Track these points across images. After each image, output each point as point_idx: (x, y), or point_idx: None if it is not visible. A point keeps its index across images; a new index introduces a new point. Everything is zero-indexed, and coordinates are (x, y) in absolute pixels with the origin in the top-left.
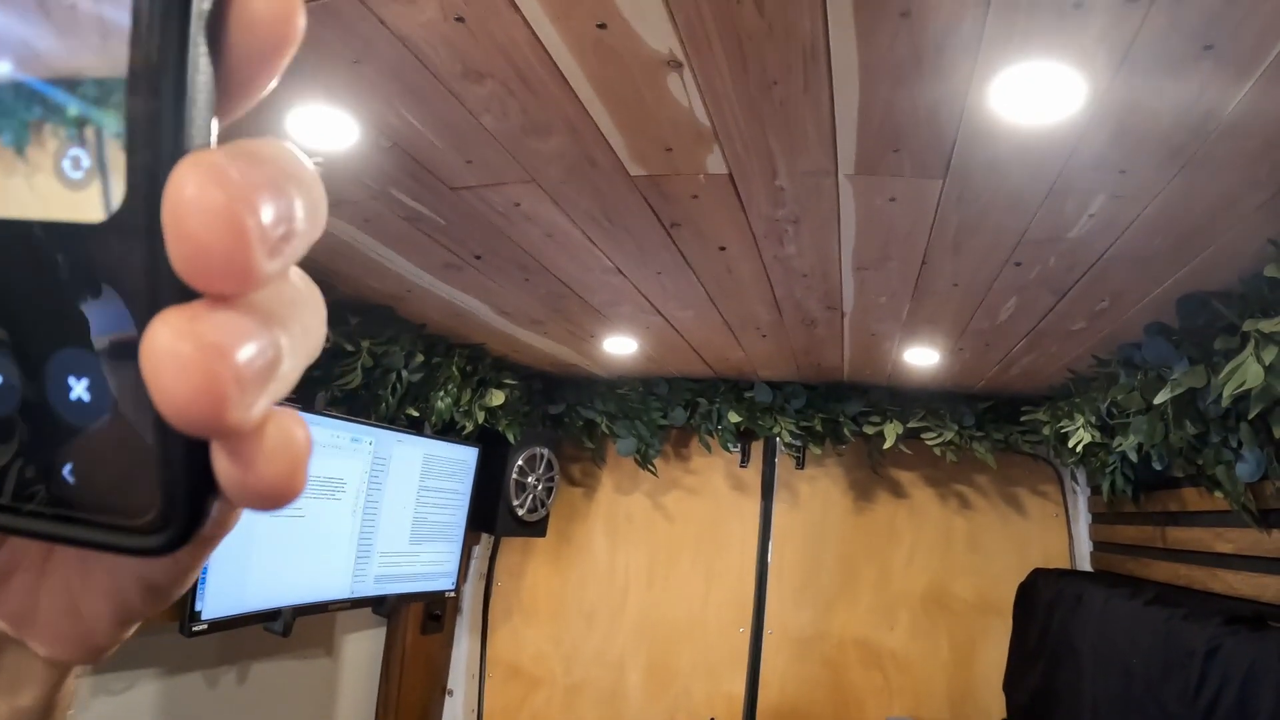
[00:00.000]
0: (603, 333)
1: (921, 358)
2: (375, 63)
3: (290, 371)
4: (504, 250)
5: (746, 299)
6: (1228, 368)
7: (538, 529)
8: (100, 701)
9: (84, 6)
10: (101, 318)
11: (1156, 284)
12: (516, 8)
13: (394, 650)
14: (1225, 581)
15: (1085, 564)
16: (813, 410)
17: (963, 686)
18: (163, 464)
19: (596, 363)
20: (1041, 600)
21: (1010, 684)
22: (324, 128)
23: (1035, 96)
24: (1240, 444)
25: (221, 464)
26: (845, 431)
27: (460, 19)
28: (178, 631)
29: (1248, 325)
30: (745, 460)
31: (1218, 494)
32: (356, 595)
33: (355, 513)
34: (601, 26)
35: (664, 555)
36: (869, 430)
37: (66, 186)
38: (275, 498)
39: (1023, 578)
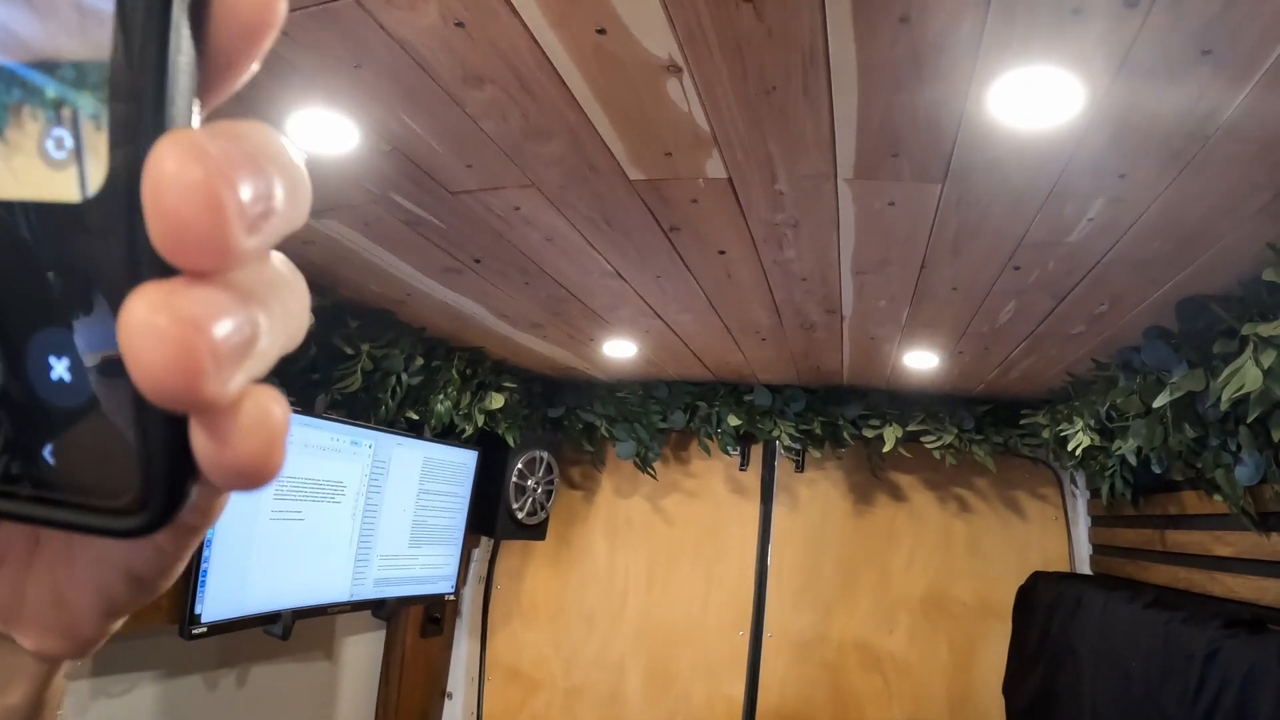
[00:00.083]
0: (602, 336)
1: (921, 361)
2: (375, 67)
3: (269, 350)
4: (504, 254)
5: (746, 303)
6: (1227, 371)
7: (537, 532)
8: (100, 704)
9: None
10: (82, 298)
11: (1155, 288)
12: (516, 13)
13: (393, 653)
14: (1224, 585)
15: (1085, 567)
16: (812, 413)
17: (962, 690)
18: (141, 443)
19: (596, 366)
20: (1041, 603)
21: (1010, 687)
22: (324, 132)
23: (1034, 101)
24: (1239, 447)
25: (199, 441)
26: (845, 435)
27: (460, 24)
28: (177, 634)
29: (1247, 329)
30: (745, 463)
31: (1217, 497)
32: (356, 598)
33: (355, 516)
34: (601, 32)
35: (663, 558)
36: (868, 433)
37: (50, 167)
38: (253, 475)
39: (1022, 581)
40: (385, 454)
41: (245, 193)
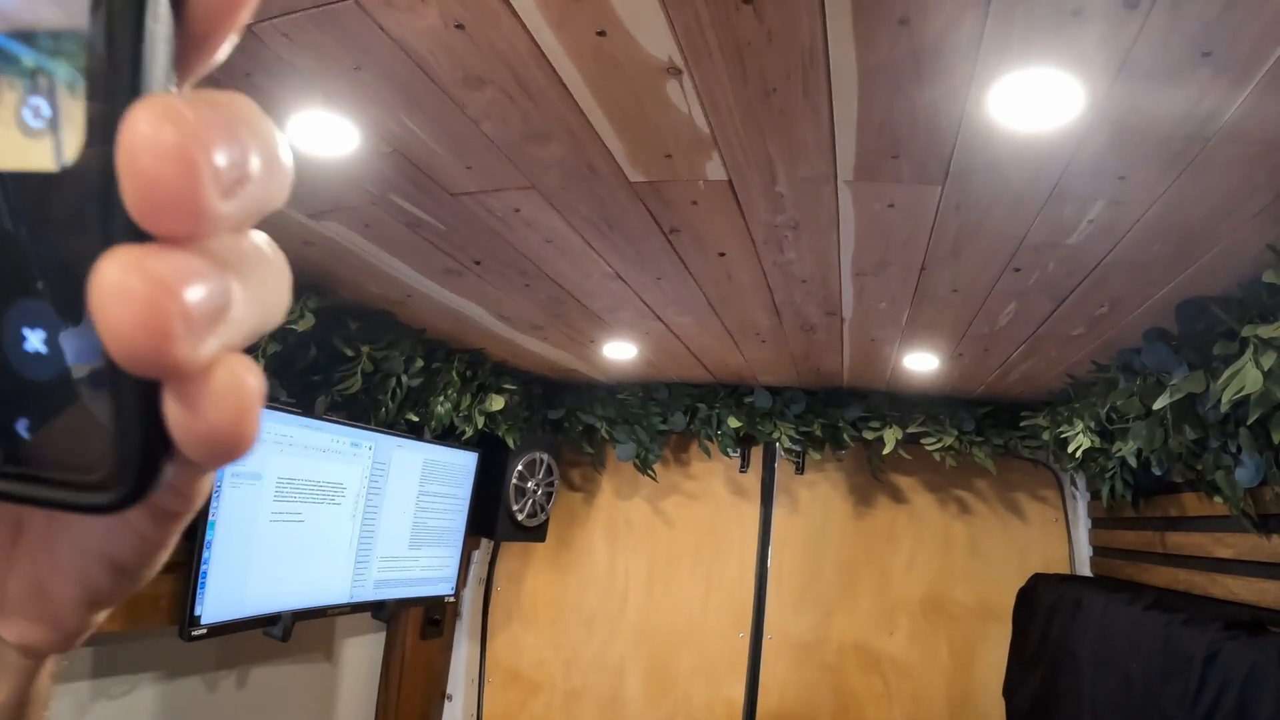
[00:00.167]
0: (602, 338)
1: (921, 363)
2: (376, 69)
3: (243, 321)
4: (504, 256)
5: (746, 304)
6: (1227, 373)
7: (537, 534)
8: (99, 705)
9: None
10: (58, 268)
11: (1155, 289)
12: (516, 15)
13: (393, 655)
14: (1225, 586)
15: (1085, 569)
16: (812, 415)
17: (962, 691)
18: (115, 415)
19: (596, 368)
20: (1041, 605)
21: (1010, 689)
22: (324, 133)
23: (1034, 103)
24: (1239, 449)
25: (171, 410)
26: (845, 437)
27: (460, 26)
28: (177, 636)
29: (1247, 330)
30: (745, 465)
31: (1217, 499)
32: (356, 600)
33: (355, 517)
34: (601, 34)
35: (664, 560)
36: (868, 435)
37: (26, 136)
38: (225, 444)
39: (1022, 583)
40: (385, 456)
41: (220, 157)
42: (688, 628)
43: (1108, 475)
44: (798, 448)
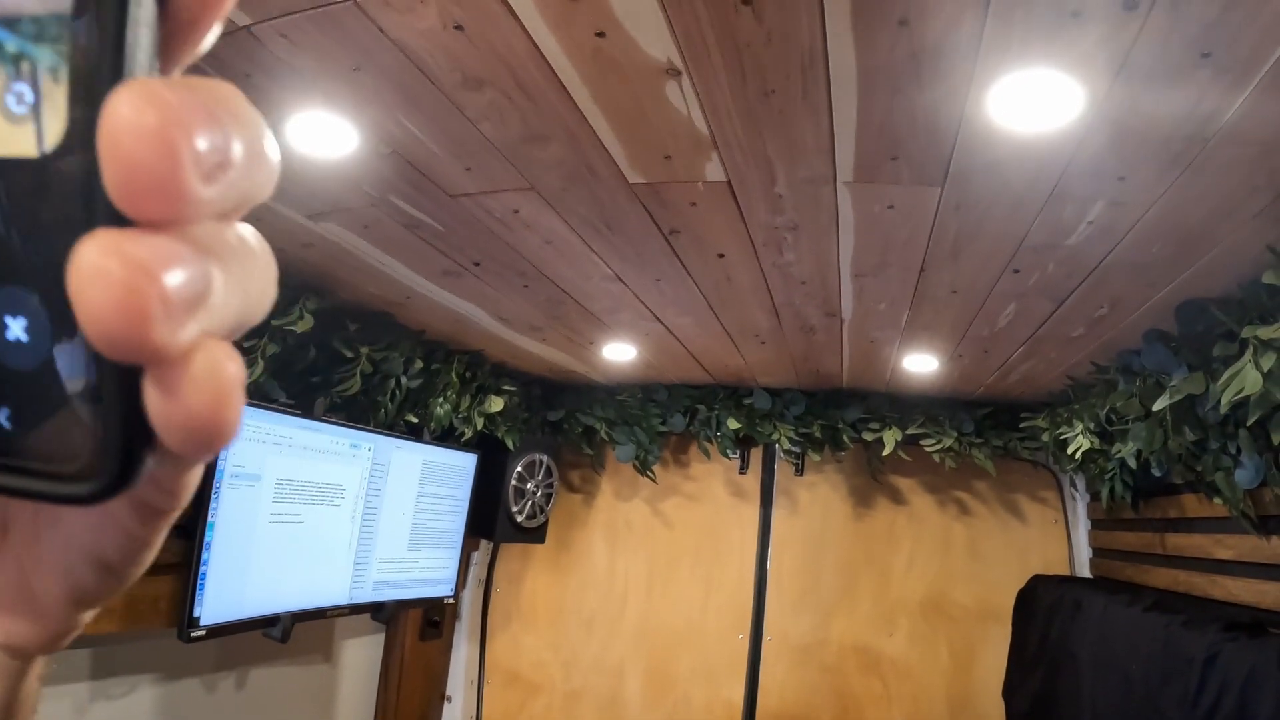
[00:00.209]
0: (602, 339)
1: (920, 364)
2: (375, 70)
3: (224, 309)
4: (503, 257)
5: (745, 306)
6: (1226, 374)
7: (537, 535)
8: (98, 706)
9: None
10: (39, 255)
11: (1155, 290)
12: (515, 16)
13: (393, 656)
14: (1225, 588)
15: (1085, 570)
16: (812, 417)
17: (962, 693)
18: (95, 404)
19: (596, 369)
20: (1041, 607)
21: (1010, 691)
22: (323, 134)
23: (1033, 104)
24: (1239, 450)
25: (151, 398)
26: (844, 438)
27: (459, 27)
28: (176, 637)
29: (1246, 332)
30: (744, 467)
31: (1217, 500)
32: (355, 601)
33: (354, 519)
34: (600, 35)
35: (663, 562)
36: (868, 437)
37: (9, 122)
38: (204, 432)
39: (1022, 584)
40: (384, 457)
41: (201, 141)
42: (687, 629)
43: (1107, 476)
44: (797, 449)
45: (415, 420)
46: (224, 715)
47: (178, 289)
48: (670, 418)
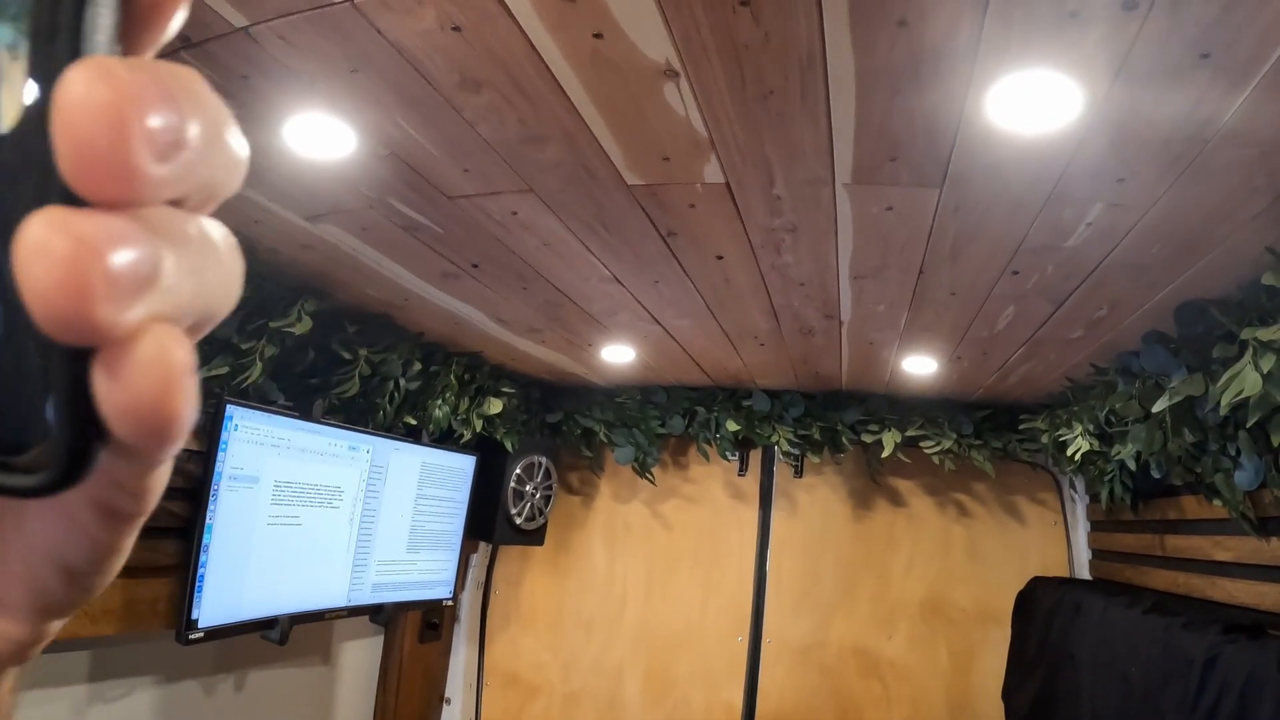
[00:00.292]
0: (600, 341)
1: (919, 366)
2: (372, 72)
3: (176, 294)
4: (501, 259)
5: (744, 308)
6: (1226, 376)
7: (536, 537)
8: (96, 709)
9: None
10: None
11: (1154, 292)
12: (513, 17)
13: (391, 659)
14: (1224, 590)
15: (1084, 572)
16: (811, 419)
17: (961, 695)
18: (43, 390)
19: (594, 371)
20: (1040, 608)
21: (1009, 692)
22: (321, 136)
23: (1032, 105)
24: (1239, 452)
25: (99, 383)
26: (843, 440)
27: (457, 28)
28: (174, 639)
29: (1246, 333)
30: (743, 469)
31: (1216, 502)
32: (354, 603)
33: (352, 521)
34: (598, 36)
35: (662, 564)
36: (867, 439)
37: None
38: (151, 419)
39: (1021, 586)
40: (383, 459)
41: (155, 119)
42: (686, 631)
43: (1107, 478)
44: (796, 451)
45: (414, 422)
46: (222, 718)
47: (123, 267)
48: (669, 420)
